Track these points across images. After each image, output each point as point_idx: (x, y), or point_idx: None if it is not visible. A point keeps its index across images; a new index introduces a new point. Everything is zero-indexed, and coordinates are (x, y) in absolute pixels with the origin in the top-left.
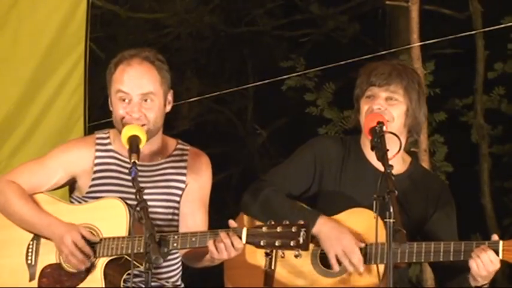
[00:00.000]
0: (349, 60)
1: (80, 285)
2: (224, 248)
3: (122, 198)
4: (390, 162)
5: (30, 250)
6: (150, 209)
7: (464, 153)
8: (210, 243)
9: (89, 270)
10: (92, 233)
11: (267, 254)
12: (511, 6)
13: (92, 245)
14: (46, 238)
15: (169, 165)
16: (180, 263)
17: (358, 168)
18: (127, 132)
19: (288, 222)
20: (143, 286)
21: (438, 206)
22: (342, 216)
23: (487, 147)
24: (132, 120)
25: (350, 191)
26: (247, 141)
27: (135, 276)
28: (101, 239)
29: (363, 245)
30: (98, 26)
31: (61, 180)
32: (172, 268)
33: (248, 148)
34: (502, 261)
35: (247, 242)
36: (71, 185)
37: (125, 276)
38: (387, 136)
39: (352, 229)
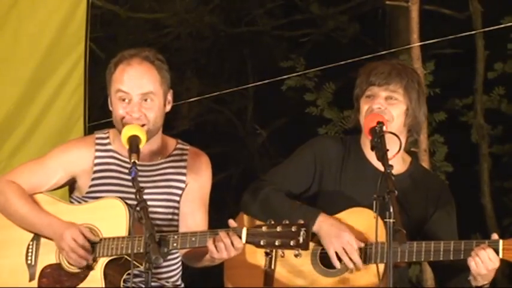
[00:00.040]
0: (349, 60)
1: (80, 285)
2: (224, 248)
3: (122, 198)
4: (390, 162)
5: (30, 250)
6: (150, 209)
7: (464, 153)
8: (210, 243)
9: (89, 268)
10: (92, 233)
11: (266, 254)
12: (511, 6)
13: (92, 244)
14: (46, 238)
15: (169, 165)
16: (180, 263)
17: (358, 168)
18: (127, 132)
19: (287, 222)
20: (143, 286)
21: (438, 205)
22: (342, 216)
23: (487, 147)
24: (132, 120)
25: (350, 190)
26: (247, 141)
27: (135, 276)
28: (100, 239)
29: (362, 244)
30: (98, 26)
31: (61, 180)
32: (172, 268)
33: (248, 148)
34: (502, 261)
35: (247, 242)
36: (71, 185)
37: (124, 276)
38: (387, 136)
39: (352, 229)
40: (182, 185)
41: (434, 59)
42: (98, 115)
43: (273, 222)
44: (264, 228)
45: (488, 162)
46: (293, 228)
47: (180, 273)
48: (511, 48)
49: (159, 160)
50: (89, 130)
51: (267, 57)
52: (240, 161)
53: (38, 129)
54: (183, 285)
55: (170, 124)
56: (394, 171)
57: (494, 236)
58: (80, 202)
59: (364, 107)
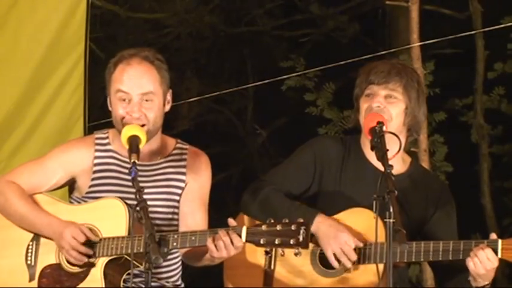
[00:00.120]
0: (349, 60)
1: (80, 285)
2: (223, 246)
3: (122, 198)
4: (390, 162)
5: (29, 250)
6: (150, 209)
7: (464, 153)
8: (210, 242)
9: (90, 266)
10: (92, 232)
11: (266, 253)
12: (511, 6)
13: (91, 244)
14: (46, 237)
15: (169, 165)
16: (180, 263)
17: (358, 168)
18: (127, 132)
19: (287, 221)
20: (143, 286)
21: (438, 206)
22: (342, 216)
23: (487, 147)
24: (132, 120)
25: (350, 190)
26: (247, 141)
27: (135, 276)
28: (100, 239)
29: (361, 244)
30: (98, 26)
31: (61, 180)
32: (172, 268)
33: (248, 148)
34: (501, 261)
35: (247, 241)
36: (71, 185)
37: (124, 276)
38: (387, 136)
39: (352, 229)
40: (182, 185)
41: (434, 59)
42: (98, 115)
43: (272, 221)
44: (263, 227)
45: (488, 162)
46: (293, 227)
47: (180, 273)
48: (511, 48)
49: (159, 160)
50: (89, 130)
51: (267, 57)
52: (240, 161)
53: (38, 129)
54: (183, 285)
55: (170, 124)
56: (394, 172)
57: (493, 236)
58: (79, 202)
59: (364, 106)
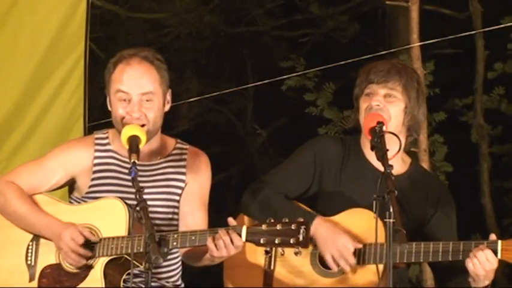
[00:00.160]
0: (349, 60)
1: (80, 285)
2: (223, 246)
3: (121, 198)
4: (390, 162)
5: (29, 251)
6: (150, 209)
7: (464, 153)
8: (210, 241)
9: (89, 268)
10: (91, 233)
11: (266, 252)
12: (511, 6)
13: (91, 244)
14: (45, 238)
15: (169, 165)
16: (180, 263)
17: (358, 168)
18: (127, 132)
19: (287, 220)
20: (143, 286)
21: (438, 207)
22: (342, 216)
23: (487, 147)
24: (132, 120)
25: (350, 191)
26: (247, 141)
27: (135, 276)
28: (100, 239)
29: (360, 245)
30: (98, 26)
31: (61, 180)
32: (172, 268)
33: (248, 148)
34: (502, 261)
35: (247, 240)
36: (70, 185)
37: (124, 276)
38: (387, 136)
39: (352, 229)
40: (182, 185)
41: (434, 59)
42: (98, 115)
43: (272, 221)
44: (263, 227)
45: (488, 162)
46: (293, 226)
47: (180, 273)
48: (511, 48)
49: (159, 160)
50: (89, 130)
51: (267, 57)
52: (240, 161)
53: (37, 129)
54: (183, 285)
55: (170, 124)
56: (394, 172)
57: (492, 237)
58: (79, 202)
59: (364, 105)
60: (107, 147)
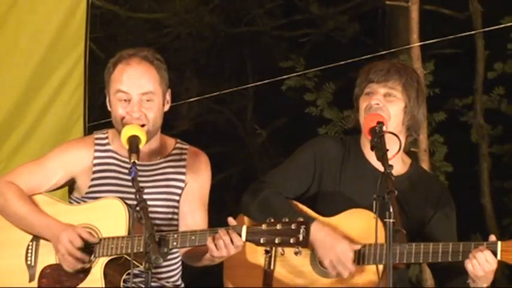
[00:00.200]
0: (349, 60)
1: (80, 285)
2: (223, 246)
3: (121, 198)
4: (390, 162)
5: (29, 251)
6: (150, 209)
7: (464, 153)
8: (209, 241)
9: (86, 270)
10: (91, 233)
11: (266, 252)
12: (511, 6)
13: (90, 245)
14: (45, 239)
15: (169, 165)
16: (180, 263)
17: (358, 168)
18: (127, 132)
19: (287, 220)
20: (143, 286)
21: (438, 208)
22: (342, 216)
23: (487, 147)
24: (133, 120)
25: (350, 191)
26: (247, 141)
27: (135, 276)
28: (100, 239)
29: (359, 246)
30: (98, 26)
31: (60, 180)
32: (172, 268)
33: (248, 148)
34: (500, 262)
35: (246, 240)
36: (70, 186)
37: (124, 276)
38: (387, 136)
39: (352, 230)
40: (181, 185)
41: (434, 59)
42: (98, 115)
43: (272, 220)
44: (263, 226)
45: (488, 162)
46: (293, 226)
47: (180, 273)
48: (511, 48)
49: (158, 160)
50: (89, 130)
51: (267, 57)
52: (240, 161)
53: (37, 129)
54: (183, 285)
55: (170, 124)
56: (394, 173)
57: (492, 238)
58: (79, 202)
59: (363, 104)
60: (107, 147)
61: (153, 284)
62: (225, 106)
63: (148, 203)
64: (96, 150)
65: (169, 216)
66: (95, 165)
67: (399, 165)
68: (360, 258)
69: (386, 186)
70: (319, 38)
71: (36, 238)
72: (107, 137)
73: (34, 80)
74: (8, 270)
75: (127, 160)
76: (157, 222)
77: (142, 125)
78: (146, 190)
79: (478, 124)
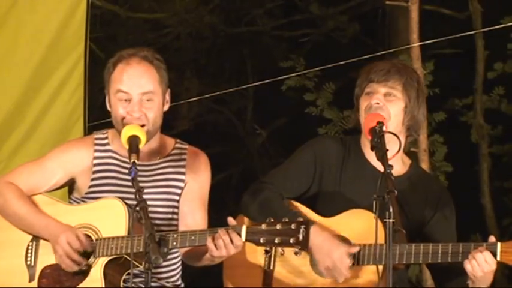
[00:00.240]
0: (349, 60)
1: (80, 285)
2: (223, 245)
3: (121, 198)
4: (390, 163)
5: (29, 251)
6: (150, 209)
7: (464, 153)
8: (209, 241)
9: (83, 272)
10: (91, 233)
11: (266, 252)
12: (511, 6)
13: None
14: (44, 239)
15: (168, 165)
16: (180, 263)
17: (358, 168)
18: (127, 132)
19: (287, 220)
20: (143, 286)
21: (438, 208)
22: (342, 216)
23: (487, 147)
24: (133, 120)
25: (350, 191)
26: (247, 141)
27: (135, 276)
28: (100, 239)
29: (356, 249)
30: (98, 26)
31: (60, 180)
32: (172, 268)
33: (248, 148)
34: (500, 263)
35: (246, 240)
36: (70, 186)
37: (124, 276)
38: (387, 136)
39: (352, 230)
40: (181, 185)
41: (434, 59)
42: (98, 115)
43: (272, 220)
44: (263, 226)
45: (488, 162)
46: (293, 226)
47: (180, 273)
48: (511, 48)
49: (158, 160)
50: (89, 130)
51: (267, 57)
52: (240, 161)
53: (37, 129)
54: (183, 285)
55: (170, 124)
56: (394, 173)
57: (492, 239)
58: (79, 203)
59: (364, 104)
60: (107, 147)
61: (153, 284)
62: (225, 106)
63: (148, 203)
64: (96, 150)
65: (169, 216)
66: (94, 165)
67: (399, 165)
68: (359, 258)
69: (386, 186)
70: (319, 38)
71: (36, 238)
72: (106, 137)
73: (34, 80)
74: (7, 270)
75: (127, 160)
76: (157, 222)
77: (143, 125)
78: (146, 190)
79: (478, 124)
